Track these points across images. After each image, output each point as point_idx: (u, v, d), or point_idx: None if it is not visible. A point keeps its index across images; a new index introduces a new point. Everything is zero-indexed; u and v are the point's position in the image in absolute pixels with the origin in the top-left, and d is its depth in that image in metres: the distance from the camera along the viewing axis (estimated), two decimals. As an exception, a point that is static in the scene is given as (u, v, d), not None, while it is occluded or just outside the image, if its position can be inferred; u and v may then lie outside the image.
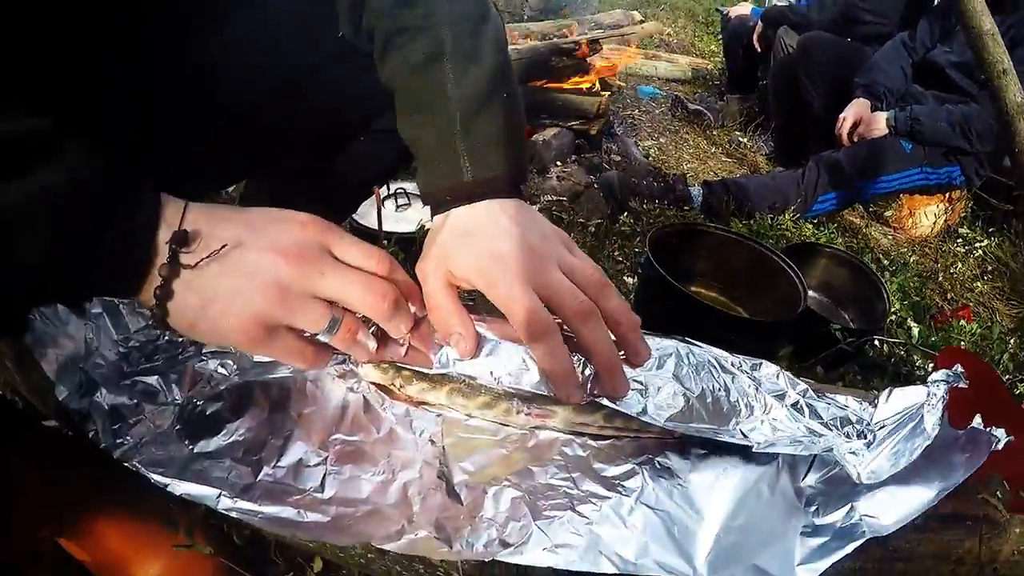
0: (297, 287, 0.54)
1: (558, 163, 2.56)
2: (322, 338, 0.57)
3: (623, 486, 0.66)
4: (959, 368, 0.73)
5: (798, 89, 2.77)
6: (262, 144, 0.88)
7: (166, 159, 0.63)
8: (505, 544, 0.59)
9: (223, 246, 0.52)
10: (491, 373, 0.66)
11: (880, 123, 2.38)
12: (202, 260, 0.51)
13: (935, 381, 0.72)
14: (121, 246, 0.50)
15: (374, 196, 1.40)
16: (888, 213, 2.55)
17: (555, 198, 2.36)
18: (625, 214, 2.07)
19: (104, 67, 0.66)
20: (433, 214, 0.69)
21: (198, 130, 0.75)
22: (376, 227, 1.54)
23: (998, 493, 0.82)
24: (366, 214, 1.67)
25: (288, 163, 1.02)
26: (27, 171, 0.46)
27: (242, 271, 0.53)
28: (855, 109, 2.42)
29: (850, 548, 0.67)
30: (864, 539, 0.68)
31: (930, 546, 0.79)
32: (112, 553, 0.86)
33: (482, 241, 0.63)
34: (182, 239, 0.51)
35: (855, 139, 2.43)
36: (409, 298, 0.62)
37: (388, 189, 1.86)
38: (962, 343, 1.60)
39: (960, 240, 2.50)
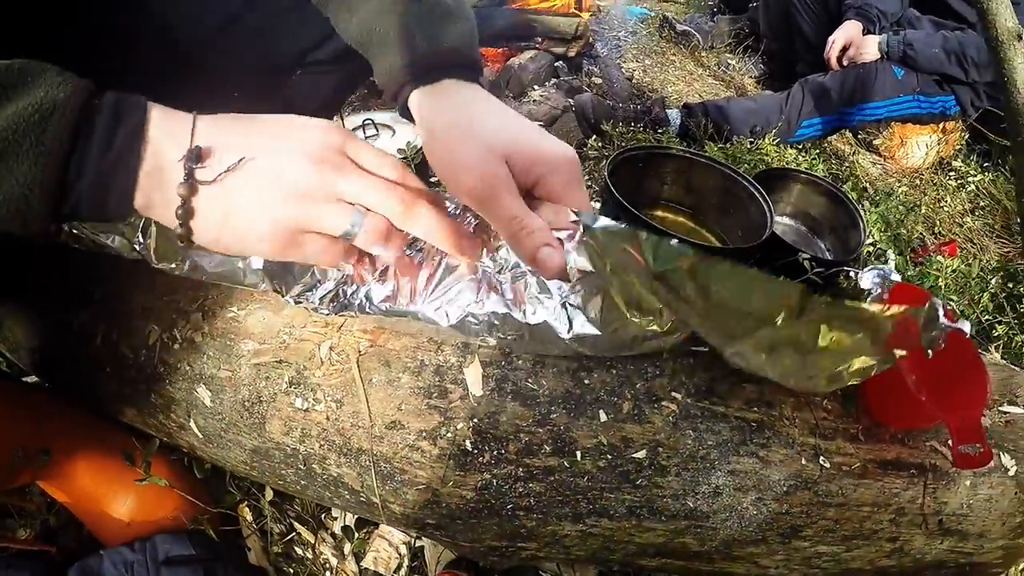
0: (319, 191, 0.52)
1: (535, 87, 2.46)
2: (346, 238, 0.55)
3: None
4: None
5: (789, 10, 2.63)
6: (208, 76, 0.84)
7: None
8: None
9: (241, 159, 0.51)
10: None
11: (871, 47, 2.26)
12: (220, 175, 0.50)
13: None
14: (104, 160, 0.48)
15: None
16: (878, 142, 2.45)
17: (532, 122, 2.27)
18: (594, 138, 1.98)
19: (54, 19, 0.68)
20: (397, 100, 0.65)
21: (146, 66, 0.70)
22: None
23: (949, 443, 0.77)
24: None
25: (233, 96, 0.98)
26: (8, 98, 0.46)
27: (264, 180, 0.51)
28: (845, 32, 2.30)
29: None
30: None
31: (867, 492, 0.76)
32: (86, 492, 0.93)
33: (509, 118, 0.61)
34: (196, 156, 0.50)
35: (845, 63, 2.31)
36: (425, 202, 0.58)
37: (354, 120, 1.86)
38: (939, 279, 1.53)
39: (953, 173, 2.40)
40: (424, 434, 0.72)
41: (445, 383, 0.73)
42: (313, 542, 1.00)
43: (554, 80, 2.52)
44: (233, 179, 0.51)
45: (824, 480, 0.74)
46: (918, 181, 2.36)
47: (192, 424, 0.83)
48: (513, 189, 0.57)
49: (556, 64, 2.57)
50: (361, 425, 0.73)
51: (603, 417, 0.71)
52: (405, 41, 0.63)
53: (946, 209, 2.20)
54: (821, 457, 0.74)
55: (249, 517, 1.00)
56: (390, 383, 0.74)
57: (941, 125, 2.38)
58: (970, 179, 2.34)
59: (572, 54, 2.54)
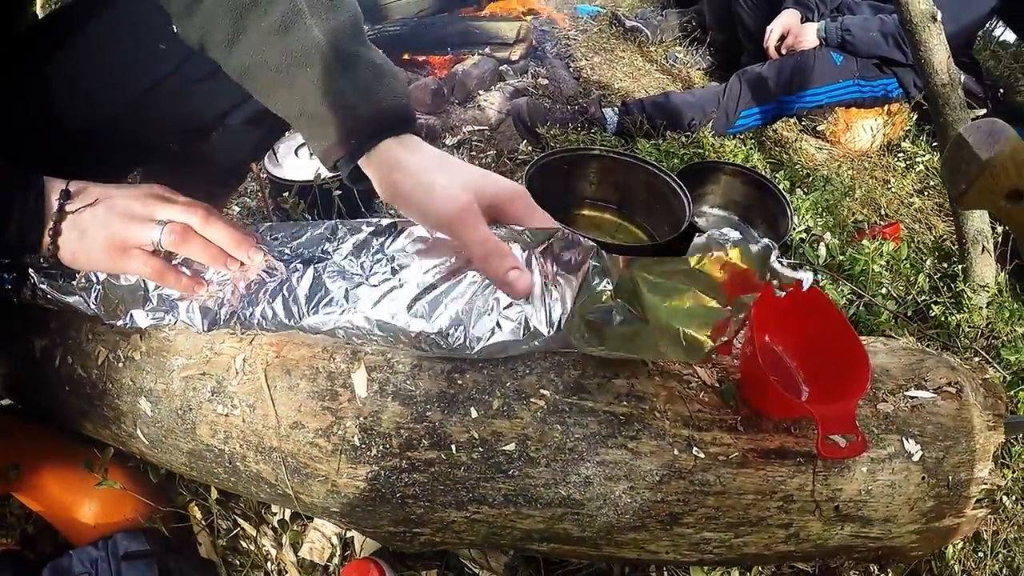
0: (141, 213, 0.72)
1: (480, 91, 2.47)
2: (159, 245, 0.72)
3: None
4: None
5: (731, 1, 2.65)
6: (130, 148, 1.00)
7: (55, 164, 0.76)
8: None
9: (96, 199, 0.72)
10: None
11: (810, 35, 2.28)
12: (80, 207, 0.71)
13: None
14: (23, 214, 0.69)
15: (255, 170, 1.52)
16: (822, 127, 2.47)
17: (476, 128, 2.29)
18: (523, 143, 1.99)
19: None
20: (341, 169, 0.70)
21: (71, 144, 0.84)
22: (287, 179, 1.68)
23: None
24: (279, 166, 1.73)
25: (156, 160, 1.13)
26: None
27: (104, 208, 0.72)
28: (783, 20, 2.32)
29: None
30: None
31: (747, 481, 0.78)
32: (55, 500, 1.05)
33: (461, 163, 0.70)
34: (66, 195, 0.71)
35: (783, 52, 2.33)
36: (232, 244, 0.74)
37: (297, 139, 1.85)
38: (869, 262, 1.55)
39: (902, 155, 2.41)
40: (320, 432, 0.77)
41: (336, 387, 0.78)
42: (255, 536, 1.09)
43: (500, 84, 2.54)
44: (89, 210, 0.71)
45: (699, 469, 0.75)
46: (866, 164, 2.37)
47: (139, 432, 0.90)
48: (482, 218, 0.64)
49: (501, 68, 2.59)
50: (271, 426, 0.80)
51: (474, 413, 0.74)
52: (341, 118, 0.68)
53: (893, 190, 2.21)
54: (695, 448, 0.75)
55: (199, 515, 1.10)
56: (291, 389, 0.79)
57: (886, 108, 2.39)
58: (919, 159, 2.35)
59: (515, 57, 2.56)
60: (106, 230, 0.71)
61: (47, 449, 1.08)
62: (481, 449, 0.73)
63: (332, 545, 1.06)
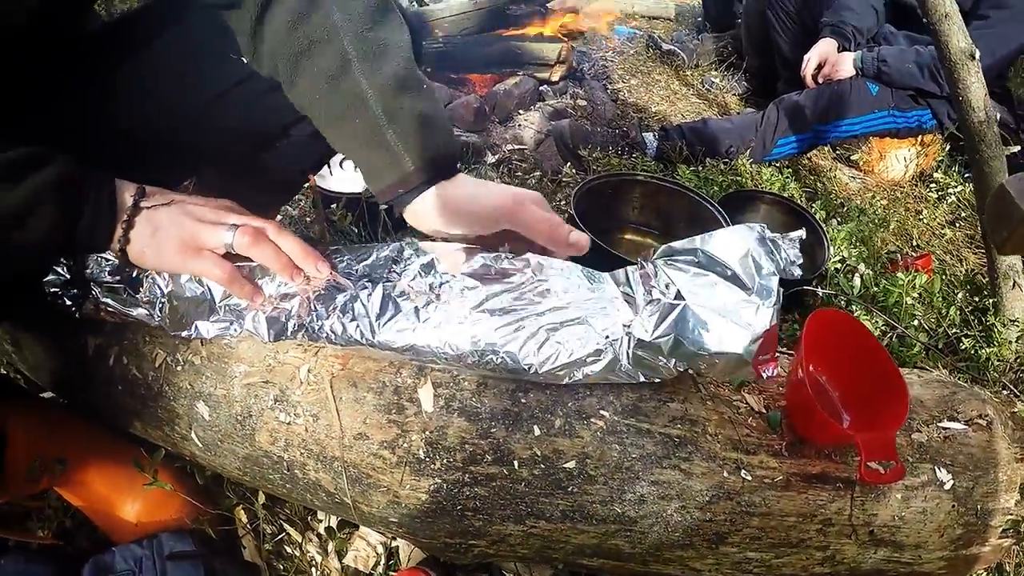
0: (213, 218, 0.75)
1: (520, 111, 2.53)
2: (232, 247, 0.75)
3: None
4: None
5: (767, 28, 2.70)
6: (194, 155, 1.02)
7: (114, 168, 0.78)
8: None
9: (171, 200, 0.74)
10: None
11: (847, 64, 2.32)
12: (155, 205, 0.74)
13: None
14: (96, 211, 0.71)
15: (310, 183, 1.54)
16: (856, 156, 2.50)
17: (517, 147, 2.34)
18: (568, 166, 2.04)
19: (51, 105, 0.86)
20: (394, 209, 0.80)
21: (132, 149, 0.85)
22: (336, 191, 1.73)
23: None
24: (327, 178, 1.77)
25: (219, 167, 1.15)
26: (24, 178, 0.67)
27: (179, 210, 0.74)
28: (820, 49, 2.36)
29: None
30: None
31: (790, 503, 0.81)
32: (99, 497, 1.05)
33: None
34: (142, 192, 0.74)
35: (820, 80, 2.37)
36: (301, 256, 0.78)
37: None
38: (903, 294, 1.58)
39: (934, 185, 2.43)
40: (385, 444, 0.80)
41: (402, 401, 0.81)
42: (301, 542, 1.10)
43: (539, 104, 2.59)
44: (164, 209, 0.74)
45: (747, 491, 0.79)
46: (898, 194, 2.39)
47: (193, 435, 0.92)
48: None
49: (541, 88, 2.65)
50: (334, 436, 0.82)
51: (537, 431, 0.78)
52: (387, 170, 0.76)
53: (924, 221, 2.23)
54: (743, 470, 0.80)
55: (244, 519, 1.10)
56: (357, 401, 0.82)
57: (919, 138, 2.42)
58: (951, 190, 2.36)
59: (555, 78, 2.62)
60: (180, 229, 0.73)
61: (93, 445, 1.08)
62: (543, 466, 0.77)
63: (377, 554, 1.08)
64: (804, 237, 0.76)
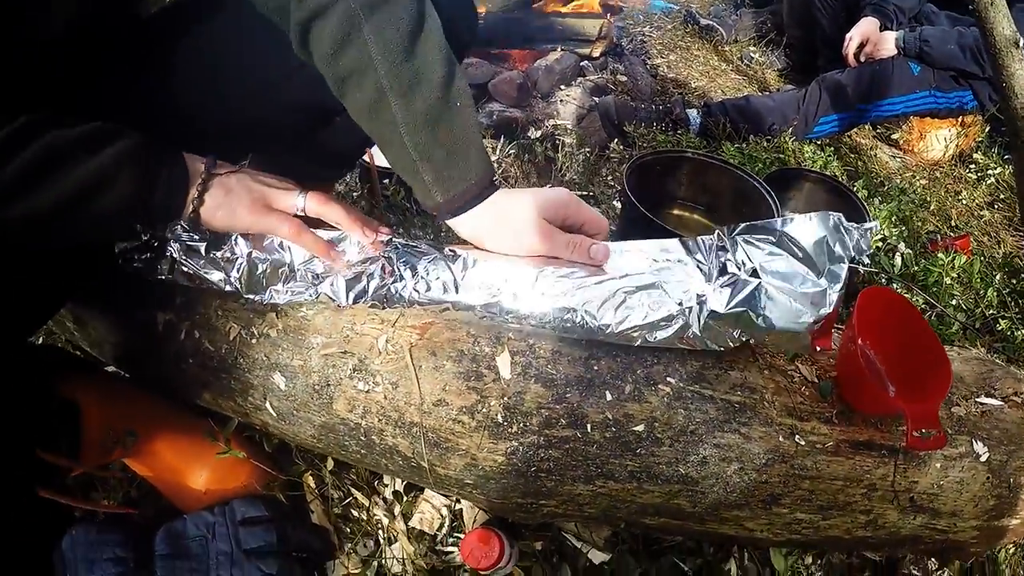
0: (281, 183, 0.85)
1: (562, 87, 2.56)
2: (301, 209, 0.85)
3: None
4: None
5: (809, 4, 2.70)
6: (254, 132, 1.04)
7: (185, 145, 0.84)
8: None
9: (242, 164, 0.85)
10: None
11: (888, 44, 2.33)
12: (227, 171, 0.82)
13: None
14: (172, 175, 0.78)
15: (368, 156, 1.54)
16: (896, 135, 2.51)
17: (559, 122, 2.38)
18: (615, 141, 2.08)
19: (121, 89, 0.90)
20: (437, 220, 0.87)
21: (201, 125, 0.90)
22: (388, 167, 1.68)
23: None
24: (376, 153, 1.75)
25: (277, 144, 1.17)
26: (102, 148, 0.73)
27: (250, 176, 0.83)
28: (862, 28, 2.36)
29: None
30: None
31: (839, 468, 0.87)
32: (167, 467, 1.09)
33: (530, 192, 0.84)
34: (213, 162, 0.81)
35: (862, 59, 2.37)
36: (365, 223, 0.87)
37: None
38: (943, 274, 1.62)
39: (973, 166, 2.44)
40: (464, 410, 0.86)
41: (480, 368, 0.86)
42: (368, 505, 1.15)
43: (580, 79, 2.62)
44: (235, 175, 0.82)
45: (799, 455, 0.85)
46: (938, 174, 2.40)
47: (267, 405, 0.97)
48: (556, 229, 0.83)
49: (582, 64, 2.67)
50: (413, 403, 0.87)
51: (608, 397, 0.84)
52: (422, 197, 0.83)
53: (964, 202, 2.24)
54: (797, 435, 0.85)
55: (312, 484, 1.15)
56: (436, 369, 0.87)
57: (960, 118, 2.42)
58: (990, 172, 2.38)
59: (596, 54, 2.64)
60: (251, 192, 0.82)
61: (160, 416, 1.11)
62: (613, 429, 0.84)
63: (441, 516, 1.13)
64: (877, 229, 0.81)
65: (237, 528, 1.01)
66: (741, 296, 0.78)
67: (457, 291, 0.83)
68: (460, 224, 0.83)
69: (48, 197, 0.71)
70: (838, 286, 0.79)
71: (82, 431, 0.99)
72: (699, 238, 0.84)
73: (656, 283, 0.80)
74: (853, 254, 0.80)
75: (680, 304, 0.79)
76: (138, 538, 1.01)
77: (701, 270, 0.81)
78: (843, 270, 0.79)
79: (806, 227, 0.79)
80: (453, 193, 0.80)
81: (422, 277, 0.84)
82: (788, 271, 0.79)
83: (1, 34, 0.74)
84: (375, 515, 1.14)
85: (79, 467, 0.96)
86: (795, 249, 0.79)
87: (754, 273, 0.78)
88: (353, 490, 1.16)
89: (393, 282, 0.84)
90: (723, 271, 0.80)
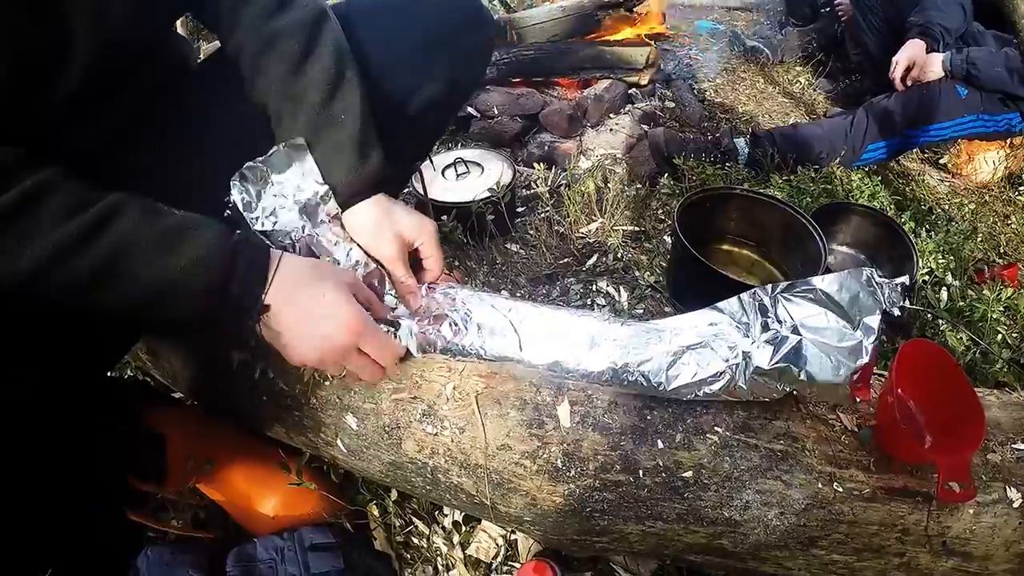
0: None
1: (611, 115, 2.62)
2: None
3: None
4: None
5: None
6: None
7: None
8: None
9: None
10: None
11: (935, 66, 2.31)
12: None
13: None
14: (245, 290, 0.81)
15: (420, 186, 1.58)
16: (944, 160, 2.51)
17: (608, 151, 2.43)
18: (665, 176, 2.14)
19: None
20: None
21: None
22: (447, 201, 1.78)
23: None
24: (430, 186, 1.77)
25: None
26: (177, 249, 0.75)
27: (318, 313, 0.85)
28: (909, 51, 2.35)
29: None
30: None
31: (875, 513, 0.93)
32: (239, 493, 1.15)
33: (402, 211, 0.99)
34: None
35: (909, 83, 2.36)
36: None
37: (444, 158, 1.96)
38: (987, 310, 1.62)
39: (1023, 188, 2.41)
40: (526, 455, 0.93)
41: (542, 417, 0.94)
42: (428, 534, 1.22)
43: (628, 107, 2.69)
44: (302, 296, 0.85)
45: (838, 501, 0.92)
46: (987, 197, 2.38)
47: (339, 442, 1.05)
48: (406, 259, 0.97)
49: (630, 91, 2.74)
50: (478, 447, 0.95)
51: (660, 445, 0.92)
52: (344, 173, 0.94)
53: (1013, 227, 2.21)
54: (835, 482, 0.92)
55: (376, 513, 1.23)
56: (501, 416, 0.95)
57: (1008, 140, 2.41)
58: (1040, 195, 2.33)
59: (644, 82, 2.70)
60: (327, 340, 0.87)
61: (235, 445, 1.18)
62: (664, 475, 0.91)
63: (497, 545, 1.19)
64: (908, 283, 0.87)
65: (306, 553, 1.07)
66: (783, 351, 0.86)
67: (521, 349, 0.92)
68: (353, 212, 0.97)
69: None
70: (872, 337, 0.86)
71: (167, 459, 1.08)
72: (740, 297, 0.92)
73: (704, 342, 0.88)
74: (886, 306, 0.87)
75: (726, 361, 0.87)
76: (210, 559, 1.06)
77: (739, 328, 0.89)
78: (876, 322, 0.86)
79: (841, 283, 0.87)
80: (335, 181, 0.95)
81: (489, 335, 0.94)
82: (825, 326, 0.87)
83: (25, 87, 0.76)
84: (435, 543, 1.21)
85: (165, 492, 1.04)
86: (831, 305, 0.87)
87: (795, 330, 0.86)
88: (414, 519, 1.23)
89: (458, 339, 0.95)
90: (765, 328, 0.87)
